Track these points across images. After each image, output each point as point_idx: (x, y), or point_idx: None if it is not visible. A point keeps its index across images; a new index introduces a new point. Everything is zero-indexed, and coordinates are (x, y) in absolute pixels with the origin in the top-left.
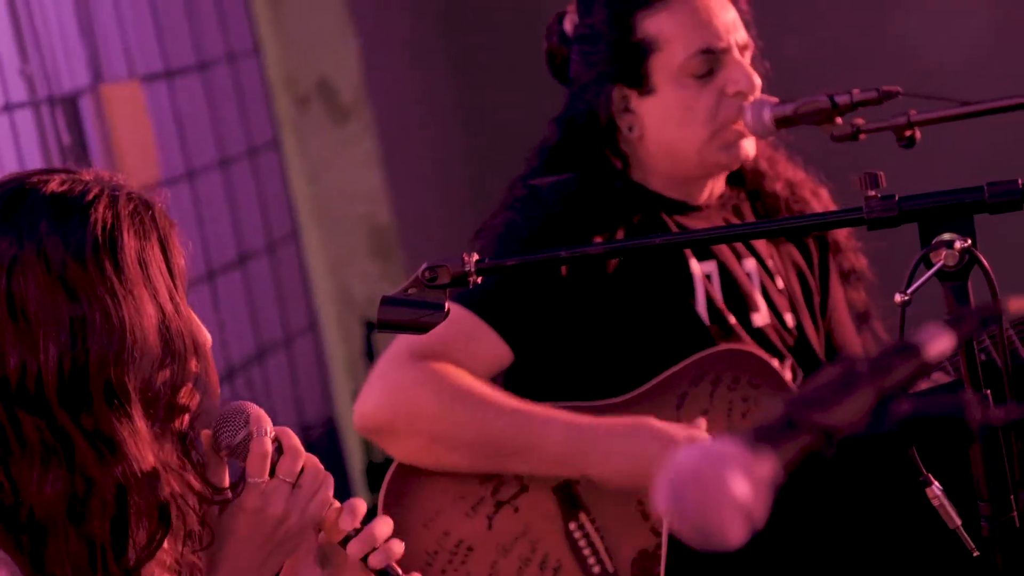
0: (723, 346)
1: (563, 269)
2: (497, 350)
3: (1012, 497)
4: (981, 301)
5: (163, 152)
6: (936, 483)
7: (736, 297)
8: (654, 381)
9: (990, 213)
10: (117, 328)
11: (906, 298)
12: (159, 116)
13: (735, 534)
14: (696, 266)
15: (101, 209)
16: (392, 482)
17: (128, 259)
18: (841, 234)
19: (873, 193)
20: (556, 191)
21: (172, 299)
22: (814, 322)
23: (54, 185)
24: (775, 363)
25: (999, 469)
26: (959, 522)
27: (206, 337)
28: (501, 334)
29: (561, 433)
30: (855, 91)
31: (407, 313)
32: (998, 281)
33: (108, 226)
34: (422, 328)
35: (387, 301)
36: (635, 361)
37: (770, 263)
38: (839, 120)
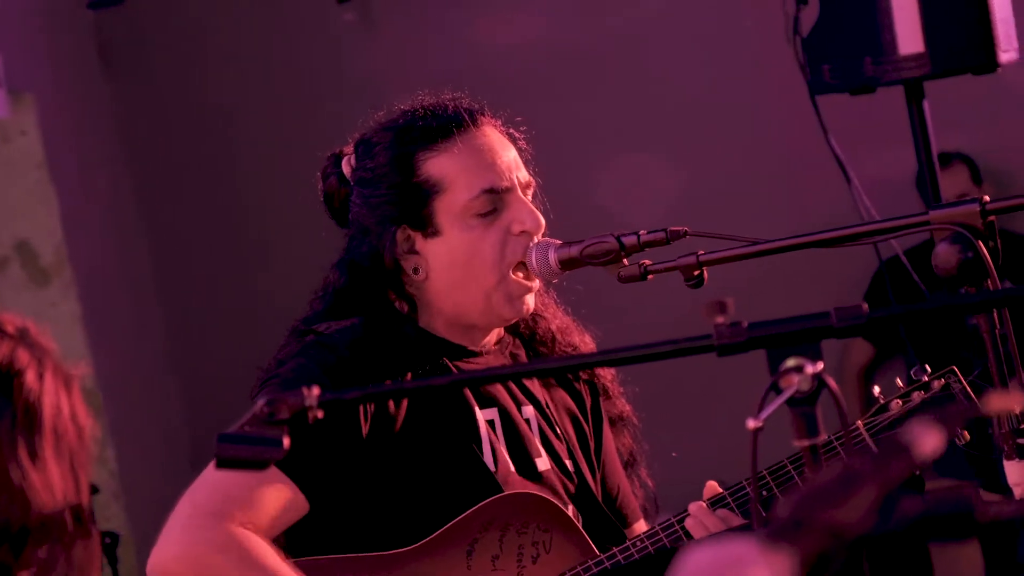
0: (510, 492)
1: (362, 421)
2: (295, 501)
3: None
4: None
5: None
6: None
7: (517, 443)
8: (443, 529)
9: (837, 338)
10: (21, 502)
11: (759, 424)
12: None
13: None
14: (479, 413)
15: (27, 382)
16: None
17: (46, 438)
18: (608, 380)
19: (721, 320)
20: (343, 336)
21: (76, 479)
22: (591, 467)
23: None
24: (561, 506)
25: None
26: None
27: (96, 530)
28: (299, 485)
29: None
30: (642, 232)
31: (246, 451)
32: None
33: (30, 401)
34: (262, 465)
35: (224, 438)
36: (425, 510)
37: (548, 410)
38: (626, 261)
